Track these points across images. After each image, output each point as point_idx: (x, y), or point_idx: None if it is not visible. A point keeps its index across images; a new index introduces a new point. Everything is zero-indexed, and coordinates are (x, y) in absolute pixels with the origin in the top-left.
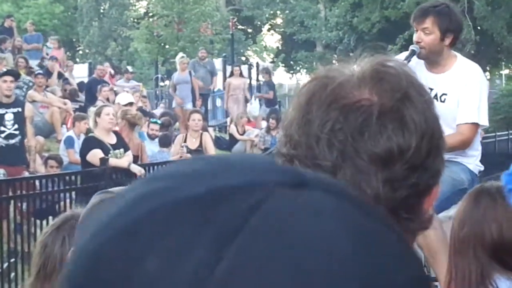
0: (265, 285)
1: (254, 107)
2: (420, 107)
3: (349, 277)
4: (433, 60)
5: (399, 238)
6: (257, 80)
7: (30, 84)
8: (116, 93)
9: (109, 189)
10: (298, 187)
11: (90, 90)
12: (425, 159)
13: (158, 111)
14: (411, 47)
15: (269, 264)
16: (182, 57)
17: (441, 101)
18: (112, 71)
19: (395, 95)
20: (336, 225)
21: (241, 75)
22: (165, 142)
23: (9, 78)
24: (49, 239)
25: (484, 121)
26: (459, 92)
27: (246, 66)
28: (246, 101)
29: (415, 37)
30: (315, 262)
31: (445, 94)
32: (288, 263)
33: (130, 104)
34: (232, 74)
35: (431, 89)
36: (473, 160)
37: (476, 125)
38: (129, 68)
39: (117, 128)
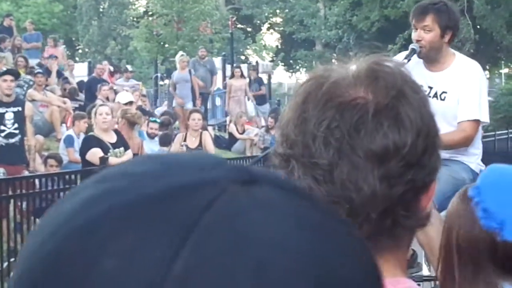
0: (222, 282)
1: (249, 107)
2: (415, 104)
3: (304, 273)
4: (432, 58)
5: (350, 231)
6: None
7: (31, 83)
8: (116, 92)
9: None
10: (248, 183)
11: (90, 89)
12: (421, 156)
13: (162, 109)
14: (411, 46)
15: (225, 260)
16: (182, 55)
17: (441, 99)
18: (111, 68)
19: (390, 93)
20: (289, 220)
21: (242, 76)
22: (165, 141)
23: (9, 77)
24: None
25: (485, 117)
26: (459, 90)
27: (246, 65)
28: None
29: (414, 36)
30: (271, 258)
31: (445, 92)
32: (244, 260)
33: (130, 103)
34: (233, 75)
35: (431, 88)
36: (474, 159)
37: (477, 121)
38: (129, 67)
39: (117, 127)
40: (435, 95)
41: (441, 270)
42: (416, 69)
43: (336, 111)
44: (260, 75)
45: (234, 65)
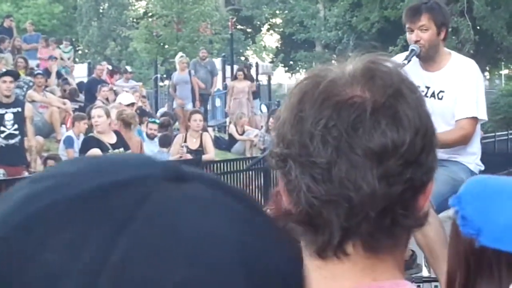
0: (156, 269)
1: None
2: (413, 103)
3: (234, 261)
4: (430, 57)
5: (272, 222)
6: (257, 80)
7: (30, 84)
8: (115, 93)
9: None
10: (178, 180)
11: (90, 90)
12: (419, 155)
13: (164, 110)
14: (411, 47)
15: (160, 249)
16: (182, 56)
17: (438, 98)
18: (110, 67)
19: (388, 91)
20: (219, 214)
21: (245, 78)
22: (165, 142)
23: (8, 78)
24: None
25: (483, 115)
26: (456, 88)
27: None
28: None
29: (412, 37)
30: (203, 248)
31: (442, 91)
32: (177, 249)
33: (132, 104)
34: (235, 77)
35: (428, 88)
36: (473, 159)
37: (475, 119)
38: (128, 68)
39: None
40: (433, 95)
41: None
42: (413, 70)
43: (333, 110)
44: (260, 76)
45: (237, 67)
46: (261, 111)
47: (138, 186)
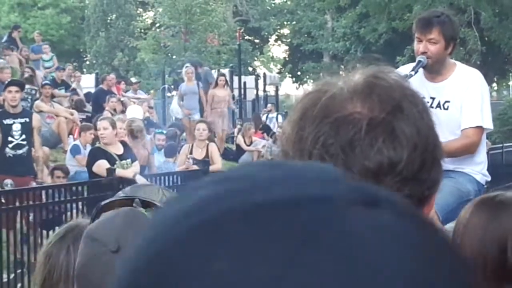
0: None
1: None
2: (412, 118)
3: None
4: (436, 69)
5: (464, 264)
6: (264, 91)
7: (33, 92)
8: (123, 104)
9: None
10: (370, 206)
11: (97, 100)
12: (418, 171)
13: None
14: (419, 58)
15: (336, 284)
16: (187, 67)
17: (444, 108)
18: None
19: (386, 108)
20: (405, 249)
21: (226, 85)
22: (171, 152)
23: (14, 88)
24: (53, 248)
25: (488, 124)
26: (461, 98)
27: (253, 76)
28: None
29: (419, 48)
30: (382, 285)
31: (448, 102)
32: (353, 283)
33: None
34: (216, 84)
35: (433, 98)
36: (479, 169)
37: (480, 128)
38: (133, 79)
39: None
40: (438, 105)
41: None
42: (418, 81)
43: (331, 127)
44: (267, 86)
45: (219, 72)
46: (277, 121)
47: (327, 206)
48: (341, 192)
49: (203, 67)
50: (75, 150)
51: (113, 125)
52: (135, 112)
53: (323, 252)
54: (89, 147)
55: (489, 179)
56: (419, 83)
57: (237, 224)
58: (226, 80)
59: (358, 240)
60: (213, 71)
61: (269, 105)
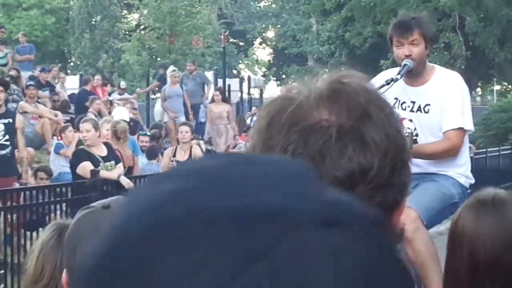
0: None
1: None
2: (380, 123)
3: None
4: (418, 72)
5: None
6: (249, 93)
7: (16, 92)
8: (110, 103)
9: (93, 204)
10: (328, 226)
11: (80, 101)
12: (389, 176)
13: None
14: (404, 62)
15: None
16: (174, 70)
17: (425, 112)
18: (99, 78)
19: (353, 114)
20: (352, 275)
21: (223, 100)
22: (152, 154)
23: None
24: (45, 245)
25: (469, 125)
26: (441, 101)
27: (237, 79)
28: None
29: (405, 51)
30: None
31: (428, 105)
32: None
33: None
34: (213, 100)
35: (414, 102)
36: (462, 171)
37: (462, 130)
38: (122, 83)
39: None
40: (419, 109)
41: None
42: (397, 86)
43: (300, 136)
44: (252, 89)
45: (216, 87)
46: None
47: (284, 221)
48: (302, 208)
49: (197, 70)
50: (59, 148)
51: (96, 127)
52: (121, 113)
53: (265, 274)
54: (72, 146)
55: (473, 181)
56: (399, 88)
57: (192, 229)
58: (223, 96)
59: (305, 265)
60: (195, 72)
61: (253, 108)
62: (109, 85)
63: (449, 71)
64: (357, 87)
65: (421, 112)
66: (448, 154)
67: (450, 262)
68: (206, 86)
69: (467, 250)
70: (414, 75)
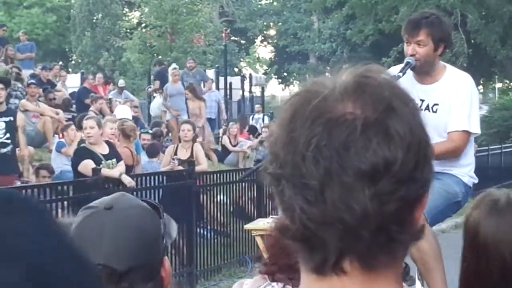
0: None
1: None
2: (405, 117)
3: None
4: (425, 71)
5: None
6: (250, 91)
7: (20, 90)
8: (110, 102)
9: (94, 203)
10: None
11: (80, 99)
12: (412, 171)
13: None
14: (407, 59)
15: None
16: (175, 68)
17: (433, 111)
18: (101, 76)
19: (378, 107)
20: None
21: (196, 97)
22: (152, 152)
23: None
24: None
25: (476, 129)
26: (450, 101)
27: (239, 77)
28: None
29: (408, 50)
30: None
31: (437, 104)
32: None
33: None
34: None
35: (422, 100)
36: (467, 171)
37: (467, 133)
38: (121, 82)
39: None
40: (427, 108)
41: None
42: (407, 83)
43: (324, 129)
44: (253, 87)
45: (190, 87)
46: (263, 122)
47: None
48: None
49: (197, 68)
50: (60, 146)
51: (99, 125)
52: (124, 112)
53: None
54: (74, 144)
55: (476, 181)
56: (409, 85)
57: None
58: (196, 93)
59: None
60: (195, 69)
61: (258, 105)
62: (111, 83)
63: (461, 72)
64: (381, 81)
65: (429, 111)
66: (451, 155)
67: (472, 270)
68: (205, 83)
69: (493, 258)
70: (421, 73)
